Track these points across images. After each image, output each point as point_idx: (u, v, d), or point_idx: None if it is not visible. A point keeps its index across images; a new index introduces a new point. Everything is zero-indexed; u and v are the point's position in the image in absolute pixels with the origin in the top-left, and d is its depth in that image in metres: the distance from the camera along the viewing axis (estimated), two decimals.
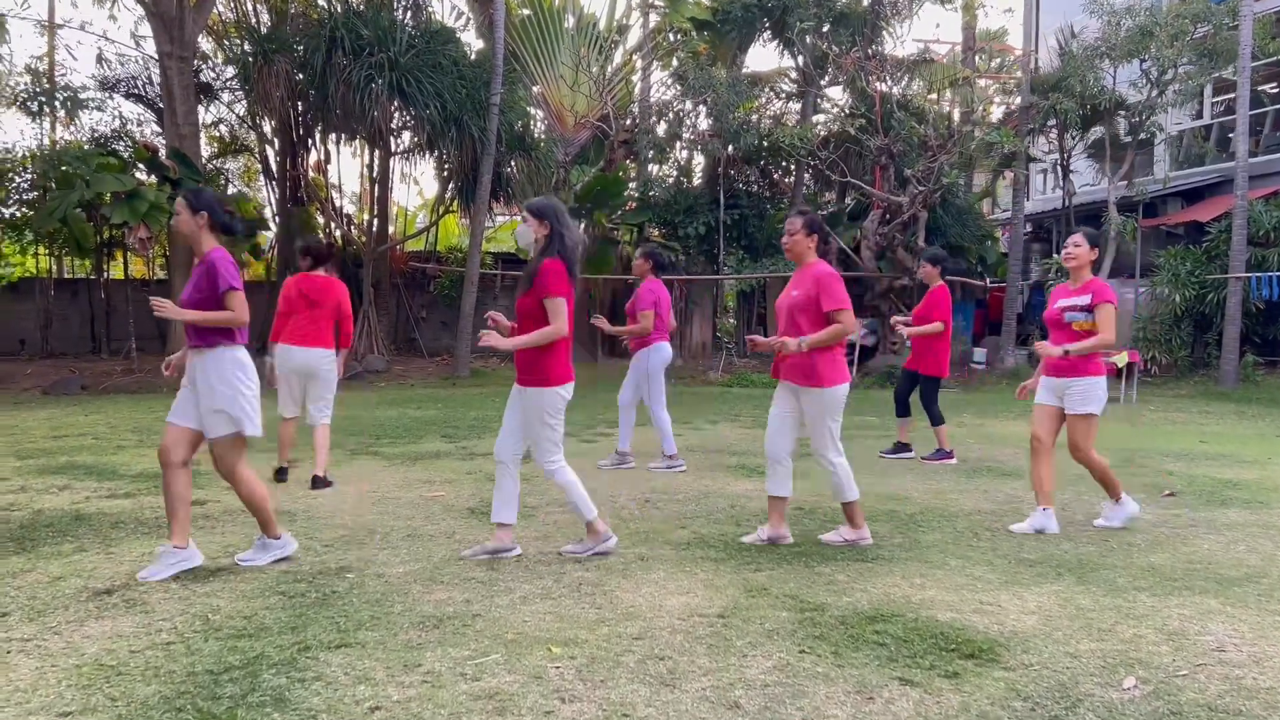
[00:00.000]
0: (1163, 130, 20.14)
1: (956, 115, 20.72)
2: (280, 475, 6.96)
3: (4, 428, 10.41)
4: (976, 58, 22.51)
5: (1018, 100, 19.79)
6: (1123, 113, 19.36)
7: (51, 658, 3.49)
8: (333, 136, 20.08)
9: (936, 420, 8.36)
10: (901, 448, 8.52)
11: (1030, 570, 4.67)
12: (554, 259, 4.66)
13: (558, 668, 3.36)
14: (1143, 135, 19.36)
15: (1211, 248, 17.40)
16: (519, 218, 5.06)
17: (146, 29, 18.69)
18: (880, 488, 6.91)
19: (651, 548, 5.07)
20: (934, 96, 20.66)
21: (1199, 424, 11.55)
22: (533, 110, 20.34)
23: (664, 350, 7.70)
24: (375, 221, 21.01)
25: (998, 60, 25.10)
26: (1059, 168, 20.48)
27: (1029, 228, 24.69)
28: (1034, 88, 19.30)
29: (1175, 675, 3.34)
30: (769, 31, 20.46)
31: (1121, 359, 14.77)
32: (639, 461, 7.83)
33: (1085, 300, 5.46)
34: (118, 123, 20.54)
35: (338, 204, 21.96)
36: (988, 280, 23.04)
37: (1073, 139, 20.15)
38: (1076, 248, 5.51)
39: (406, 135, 19.49)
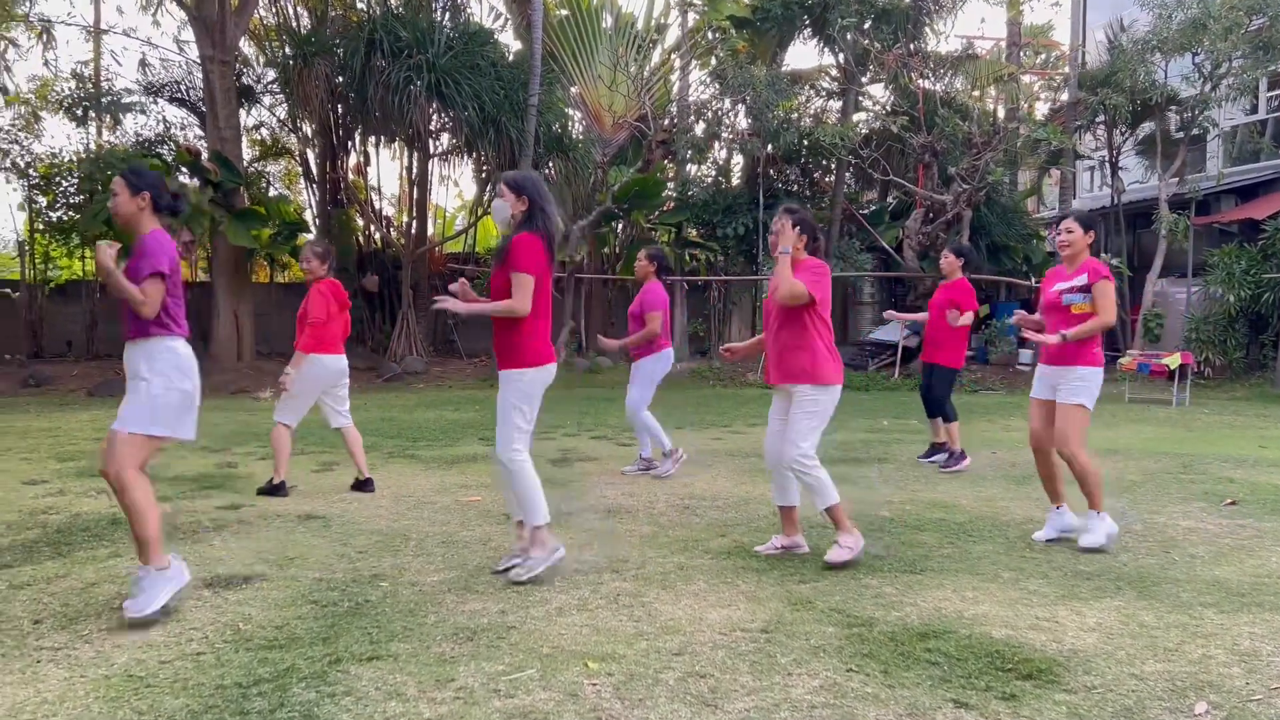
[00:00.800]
0: (1216, 125, 19.60)
1: (1001, 112, 20.34)
2: (281, 490, 6.62)
3: (47, 429, 10.50)
4: (1022, 53, 22.10)
5: (1064, 96, 19.38)
6: (1174, 108, 18.87)
7: (81, 668, 3.43)
8: (372, 139, 20.16)
9: (950, 416, 7.93)
10: (937, 449, 8.14)
11: (1088, 584, 4.46)
12: (531, 233, 4.36)
13: (594, 685, 3.23)
14: (1195, 131, 18.85)
15: (1267, 246, 16.88)
16: (496, 191, 4.67)
17: (189, 34, 18.88)
18: (927, 494, 6.71)
19: (691, 556, 4.93)
20: (978, 93, 20.29)
21: (1257, 428, 11.17)
22: (571, 111, 20.28)
23: (669, 357, 7.50)
24: (414, 223, 21.05)
25: (1043, 55, 24.62)
26: (1107, 165, 20.03)
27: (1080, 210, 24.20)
28: (1082, 83, 18.88)
29: (1249, 700, 3.13)
30: (809, 29, 20.21)
31: (1174, 361, 14.38)
32: (613, 468, 7.74)
33: (1082, 280, 5.12)
34: (162, 126, 20.78)
35: (377, 206, 22.05)
36: (1033, 280, 22.62)
37: (1122, 135, 19.68)
38: (1069, 233, 5.18)
39: (445, 137, 19.51)
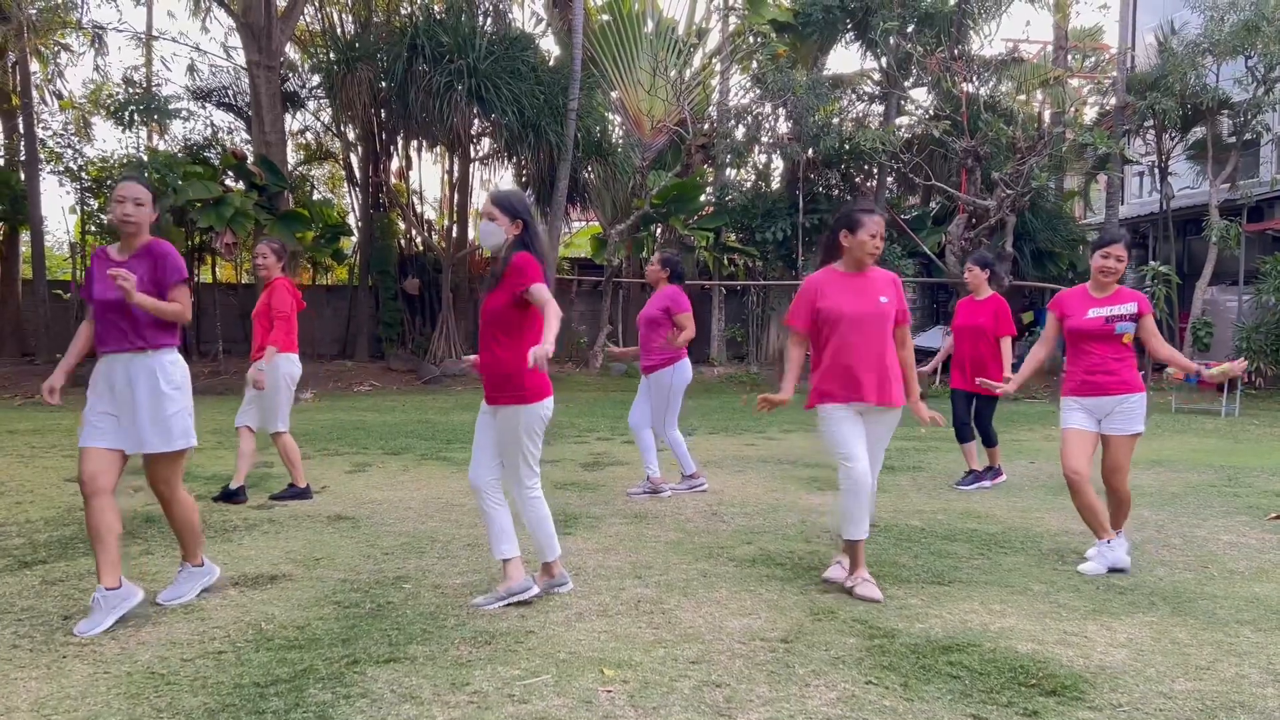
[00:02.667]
0: (1269, 130, 19.15)
1: (1047, 116, 20.03)
2: (306, 494, 6.59)
3: None
4: (1069, 57, 21.74)
5: (1112, 100, 19.04)
6: (1226, 112, 18.46)
7: (105, 664, 3.48)
8: (414, 143, 20.34)
9: (992, 441, 7.48)
10: (978, 475, 7.46)
11: (1121, 598, 4.36)
12: (526, 253, 4.13)
13: (609, 692, 3.21)
14: (1248, 135, 18.43)
15: None
16: (483, 213, 4.44)
17: (237, 40, 19.20)
18: (960, 504, 6.61)
19: (715, 564, 4.89)
20: (1024, 97, 20.00)
21: None
22: (611, 115, 20.32)
23: (686, 367, 6.91)
24: (455, 227, 21.21)
25: (1092, 59, 24.21)
26: (1157, 170, 19.65)
27: (1125, 232, 23.76)
28: (1130, 87, 18.54)
29: None
30: (851, 33, 20.08)
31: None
32: (622, 486, 7.25)
33: (1131, 309, 4.88)
34: (210, 131, 21.15)
35: (418, 209, 22.24)
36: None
37: (1171, 140, 19.30)
38: (1119, 261, 4.88)
39: (486, 141, 19.63)
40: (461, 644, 3.67)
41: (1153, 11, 20.79)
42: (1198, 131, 19.17)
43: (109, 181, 19.92)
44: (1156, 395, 16.22)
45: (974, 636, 3.78)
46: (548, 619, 3.97)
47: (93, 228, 20.44)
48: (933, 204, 21.96)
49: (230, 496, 6.40)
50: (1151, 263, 19.10)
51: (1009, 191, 17.62)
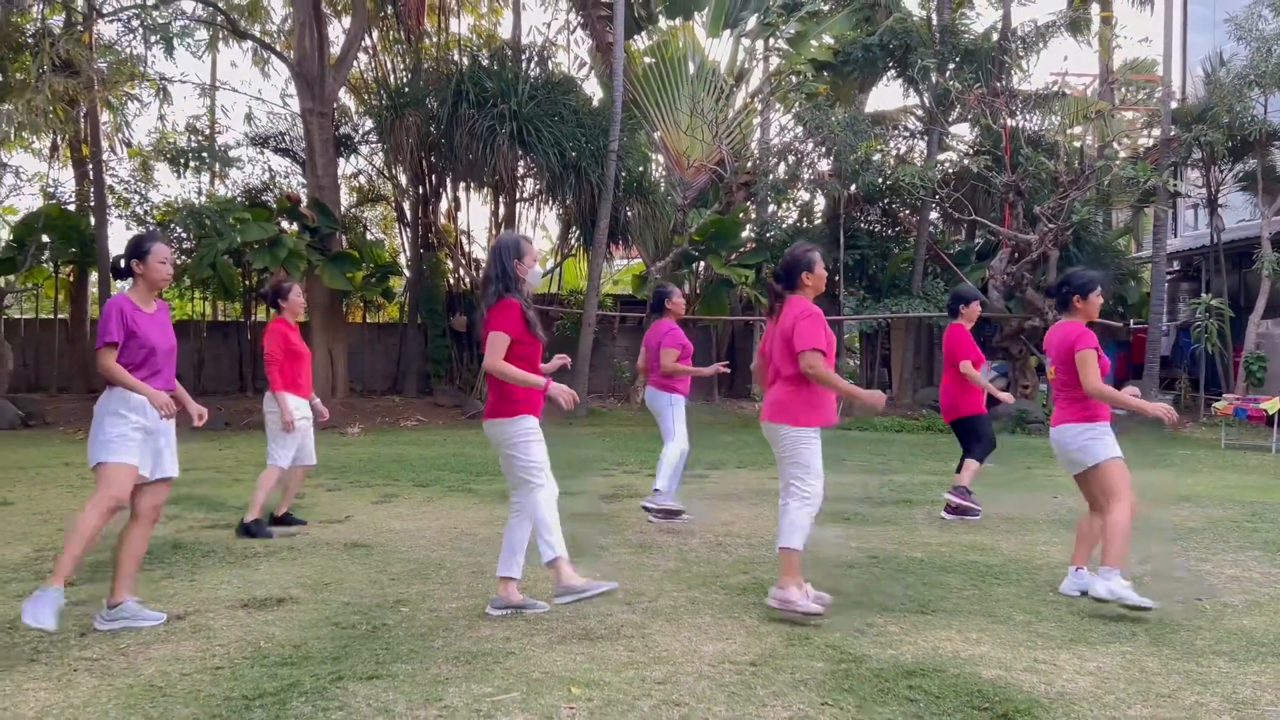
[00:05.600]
0: None
1: (1091, 149, 19.89)
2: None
3: None
4: (1118, 89, 21.60)
5: (1157, 133, 18.87)
6: (1277, 144, 18.17)
7: (110, 677, 3.72)
8: (461, 184, 20.88)
9: (976, 457, 7.48)
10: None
11: (1104, 628, 4.39)
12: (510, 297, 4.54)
13: (571, 709, 3.36)
14: None
15: None
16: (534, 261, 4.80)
17: (294, 88, 19.95)
18: (969, 537, 6.63)
19: (706, 591, 5.01)
20: (1068, 131, 19.90)
21: None
22: (653, 155, 20.66)
23: (677, 402, 7.20)
24: None
25: (1145, 91, 23.97)
26: (1207, 203, 19.37)
27: (1176, 265, 23.36)
28: (1176, 119, 18.36)
29: None
30: (893, 70, 20.23)
31: (1273, 405, 13.74)
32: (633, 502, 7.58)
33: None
34: (267, 175, 21.97)
35: (467, 249, 22.75)
36: (1131, 322, 21.93)
37: (1221, 172, 19.03)
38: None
39: (530, 182, 20.08)
40: (444, 663, 3.85)
41: (1198, 45, 20.60)
42: (1250, 163, 18.88)
43: (171, 224, 20.76)
44: (1206, 432, 15.89)
45: (942, 663, 3.86)
46: (530, 641, 4.14)
47: None
48: (977, 239, 21.87)
49: (280, 522, 6.79)
50: (1204, 295, 18.78)
51: (1050, 226, 17.50)
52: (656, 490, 6.97)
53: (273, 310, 7.05)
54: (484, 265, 4.68)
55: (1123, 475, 4.83)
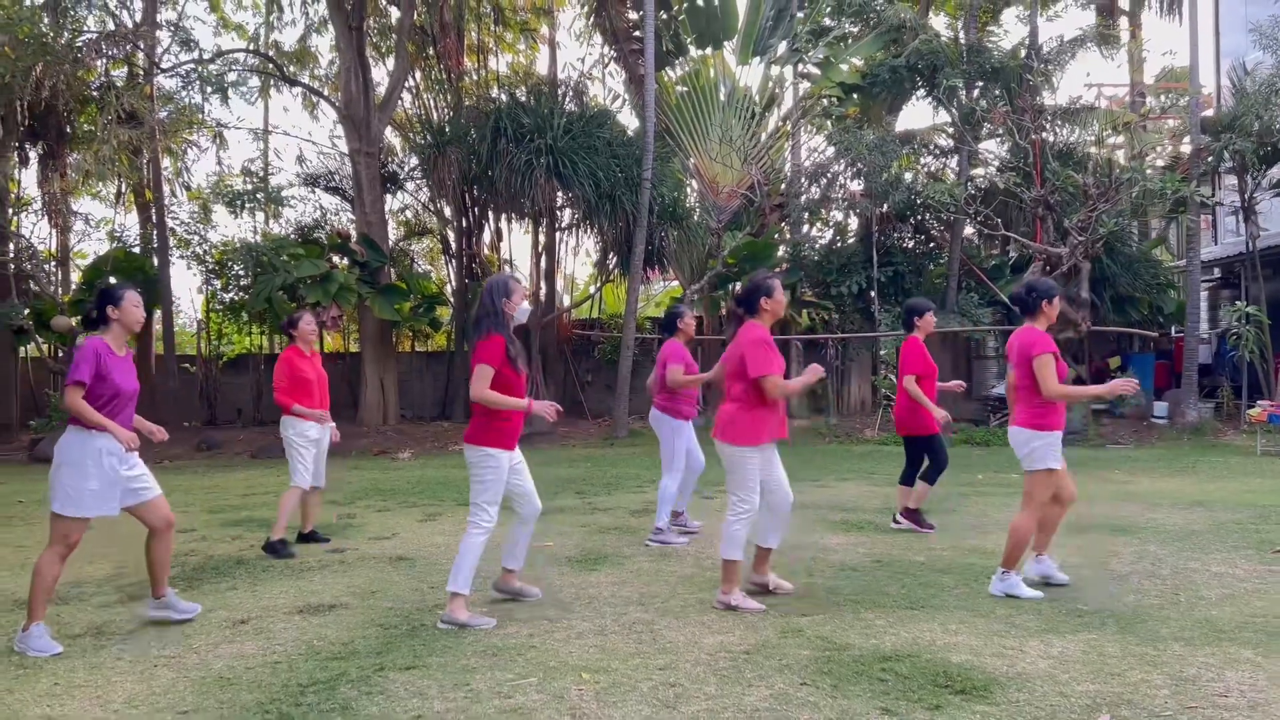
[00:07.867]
0: None
1: (1122, 160, 20.04)
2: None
3: (208, 486, 11.89)
4: (1159, 98, 21.69)
5: (1187, 142, 18.99)
6: None
7: (185, 670, 4.29)
8: (503, 216, 21.61)
9: (927, 479, 7.49)
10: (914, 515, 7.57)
11: (1077, 620, 4.76)
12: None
13: (580, 691, 3.85)
14: None
15: None
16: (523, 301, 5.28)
17: (342, 130, 20.87)
18: (973, 542, 6.99)
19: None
20: (1097, 144, 20.08)
21: None
22: (687, 180, 21.21)
23: (682, 429, 7.46)
24: (543, 293, 22.32)
25: (1181, 100, 24.00)
26: (1242, 210, 19.38)
27: (1217, 272, 23.29)
28: (1206, 128, 18.46)
29: (1159, 715, 3.46)
30: (922, 89, 20.58)
31: None
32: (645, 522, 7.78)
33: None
34: (318, 213, 22.91)
35: None
36: (1169, 331, 21.91)
37: (1254, 180, 19.05)
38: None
39: (568, 211, 20.75)
40: (472, 655, 4.37)
41: (1226, 53, 20.67)
42: None
43: (229, 263, 21.75)
44: (1246, 439, 15.91)
45: (918, 650, 4.28)
46: (550, 637, 4.64)
47: (218, 306, 22.28)
48: (1011, 252, 22.06)
49: (306, 539, 7.44)
50: (1239, 303, 18.77)
51: (1080, 238, 17.71)
52: (658, 529, 7.15)
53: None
54: (476, 302, 5.18)
55: (1045, 488, 5.28)
